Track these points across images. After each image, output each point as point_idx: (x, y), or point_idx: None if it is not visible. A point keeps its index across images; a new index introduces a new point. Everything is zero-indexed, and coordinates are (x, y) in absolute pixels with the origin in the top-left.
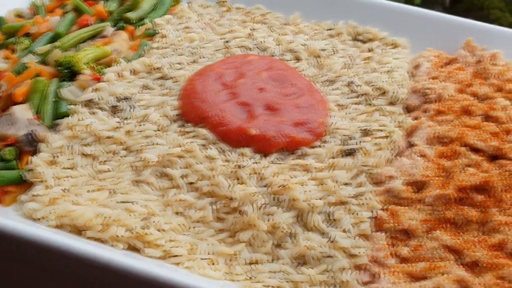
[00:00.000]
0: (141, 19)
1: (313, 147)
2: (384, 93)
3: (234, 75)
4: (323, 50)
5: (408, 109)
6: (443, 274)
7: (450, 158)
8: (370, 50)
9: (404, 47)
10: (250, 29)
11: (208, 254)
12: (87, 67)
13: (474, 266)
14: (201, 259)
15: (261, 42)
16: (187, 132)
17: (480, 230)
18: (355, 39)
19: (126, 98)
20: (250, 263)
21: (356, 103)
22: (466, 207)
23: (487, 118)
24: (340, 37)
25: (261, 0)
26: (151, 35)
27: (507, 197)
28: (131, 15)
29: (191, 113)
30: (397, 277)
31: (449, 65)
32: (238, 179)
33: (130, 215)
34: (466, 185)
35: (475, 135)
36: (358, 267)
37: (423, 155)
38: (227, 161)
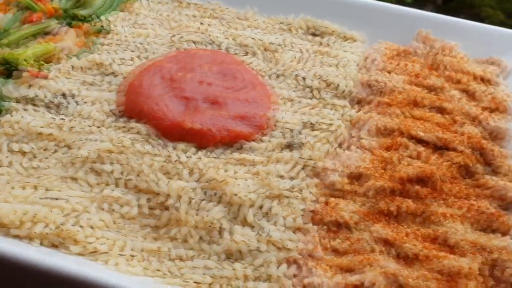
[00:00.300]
0: (92, 16)
1: (254, 141)
2: (331, 86)
3: (179, 70)
4: (275, 44)
5: (357, 102)
6: (372, 267)
7: (393, 149)
8: (323, 44)
9: (358, 40)
10: (202, 24)
11: (132, 250)
12: (28, 63)
13: (406, 258)
14: (121, 255)
15: (211, 36)
16: (125, 127)
17: (416, 222)
18: (309, 33)
19: (64, 94)
20: (175, 259)
21: (303, 97)
22: (403, 198)
23: (437, 109)
24: (294, 31)
25: None
26: (99, 31)
27: (448, 188)
28: (82, 12)
29: (131, 108)
30: (325, 269)
31: (401, 57)
32: (169, 173)
33: (52, 211)
34: (404, 176)
35: (420, 126)
36: (288, 261)
37: (365, 147)
38: (161, 155)
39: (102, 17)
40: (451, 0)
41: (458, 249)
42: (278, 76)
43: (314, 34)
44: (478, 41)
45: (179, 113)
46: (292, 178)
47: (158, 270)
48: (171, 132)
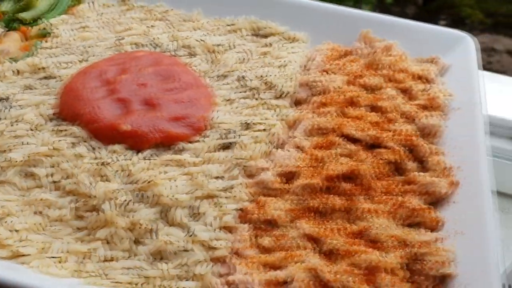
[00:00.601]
0: (36, 19)
1: (192, 142)
2: (272, 87)
3: (117, 72)
4: (219, 45)
5: (297, 103)
6: (297, 263)
7: (326, 148)
8: (267, 45)
9: (303, 41)
10: (147, 26)
11: (62, 252)
12: None
13: (330, 254)
14: (49, 257)
15: (154, 38)
16: (61, 131)
17: (345, 218)
18: (255, 34)
19: (5, 98)
20: (105, 261)
21: (244, 98)
22: (332, 195)
23: (373, 108)
24: (239, 32)
25: None
26: (44, 35)
27: (377, 185)
28: (25, 15)
29: (67, 111)
30: (251, 267)
31: (343, 57)
32: (102, 176)
33: None
34: (333, 174)
35: (354, 125)
36: (217, 260)
37: (299, 147)
38: (94, 158)
39: (44, 20)
40: (432, 0)
41: (381, 244)
42: (220, 77)
43: (258, 35)
44: (421, 40)
45: (114, 116)
46: (226, 178)
47: (88, 272)
48: (106, 135)
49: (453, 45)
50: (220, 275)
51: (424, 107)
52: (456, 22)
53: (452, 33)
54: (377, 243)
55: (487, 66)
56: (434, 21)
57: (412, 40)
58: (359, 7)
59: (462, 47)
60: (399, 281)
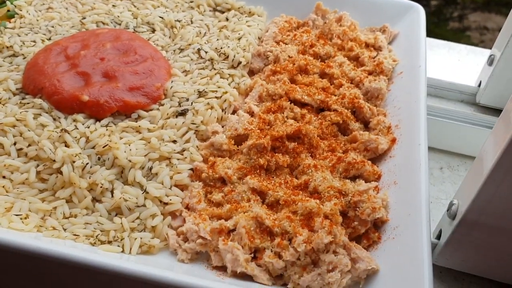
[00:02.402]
0: (2, 2)
1: (149, 110)
2: (227, 58)
3: (78, 48)
4: (179, 21)
5: (253, 72)
6: (245, 213)
7: (275, 112)
8: (228, 20)
9: (258, 15)
10: (113, 6)
11: (29, 211)
12: None
13: (275, 205)
14: (15, 215)
15: (117, 16)
16: (26, 104)
17: (289, 174)
18: (214, 9)
19: None
20: (69, 217)
21: (201, 68)
22: (279, 154)
23: (323, 75)
24: (199, 8)
25: None
26: (11, 16)
27: (324, 144)
28: None
29: (30, 85)
30: (204, 219)
31: (297, 29)
32: (65, 142)
33: None
34: (280, 134)
35: (303, 91)
36: (171, 214)
37: (250, 112)
38: (58, 127)
39: (8, 3)
40: None
41: (323, 195)
42: (178, 51)
43: (217, 11)
44: (374, 10)
45: (75, 88)
46: (180, 142)
47: (53, 228)
48: (67, 105)
49: (404, 13)
50: (173, 228)
51: (370, 73)
52: (448, 2)
53: (403, 2)
54: (319, 194)
55: (480, 45)
56: (426, 1)
57: (366, 11)
58: None
59: (411, 15)
60: (334, 225)
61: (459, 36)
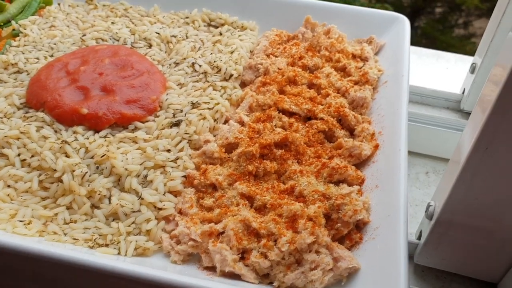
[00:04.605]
0: (7, 22)
1: (145, 122)
2: (220, 71)
3: (78, 64)
4: (175, 36)
5: (245, 84)
6: (234, 216)
7: (264, 122)
8: (222, 34)
9: (251, 30)
10: (112, 23)
11: (32, 217)
12: None
13: (263, 208)
14: (19, 221)
15: (116, 33)
16: (29, 117)
17: (276, 179)
18: (208, 24)
19: None
20: (69, 223)
21: (196, 81)
22: (267, 161)
23: (311, 86)
24: (194, 24)
25: None
26: (16, 35)
27: (311, 151)
28: None
29: (33, 100)
30: (194, 222)
31: (287, 42)
32: (65, 153)
33: None
34: (268, 142)
35: (291, 101)
36: (164, 219)
37: (240, 121)
38: (58, 139)
39: (13, 22)
40: None
41: (308, 198)
42: (174, 65)
43: (211, 25)
44: (362, 23)
45: (75, 101)
46: (174, 151)
47: (54, 232)
48: (68, 118)
49: (390, 25)
50: (166, 231)
51: (356, 82)
52: (453, 9)
53: (389, 14)
54: (304, 197)
55: None
56: (431, 8)
57: (354, 22)
58: None
59: (397, 26)
60: (317, 227)
61: (464, 43)
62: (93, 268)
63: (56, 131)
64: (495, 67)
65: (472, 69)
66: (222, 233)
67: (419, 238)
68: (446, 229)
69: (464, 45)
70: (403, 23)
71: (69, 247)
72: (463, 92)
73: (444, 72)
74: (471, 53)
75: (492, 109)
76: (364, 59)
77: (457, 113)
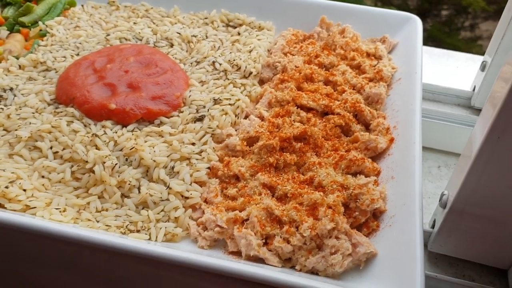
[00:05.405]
0: (35, 22)
1: (170, 117)
2: (239, 69)
3: (104, 62)
4: (195, 36)
5: (263, 81)
6: (257, 205)
7: (283, 117)
8: (240, 34)
9: (267, 29)
10: (134, 23)
11: (66, 205)
12: None
13: (284, 198)
14: (55, 208)
15: (138, 33)
16: (59, 112)
17: (296, 171)
18: (226, 25)
19: (11, 89)
20: (101, 211)
21: (216, 79)
22: (287, 153)
23: (327, 83)
24: (213, 24)
25: None
26: (43, 35)
27: (328, 144)
28: (25, 19)
29: (63, 96)
30: (219, 210)
31: (303, 41)
32: (96, 146)
33: None
34: (287, 136)
35: (308, 97)
36: (191, 207)
37: (260, 116)
38: (89, 132)
39: (40, 23)
40: None
41: (327, 188)
42: (195, 63)
43: (229, 26)
44: (376, 22)
45: (103, 97)
46: (198, 144)
47: (88, 220)
48: (96, 113)
49: (403, 25)
50: (193, 219)
51: (371, 80)
52: (459, 11)
53: (402, 14)
54: (324, 188)
55: None
56: (438, 11)
57: (368, 22)
58: None
59: (410, 26)
60: (337, 214)
61: (470, 45)
62: (128, 250)
63: (85, 125)
64: (505, 65)
65: (483, 67)
66: (246, 220)
67: (432, 226)
68: (458, 217)
69: (470, 47)
70: (416, 23)
71: (103, 233)
72: (474, 89)
73: (454, 70)
74: (478, 55)
75: (502, 104)
76: (378, 58)
77: (468, 110)
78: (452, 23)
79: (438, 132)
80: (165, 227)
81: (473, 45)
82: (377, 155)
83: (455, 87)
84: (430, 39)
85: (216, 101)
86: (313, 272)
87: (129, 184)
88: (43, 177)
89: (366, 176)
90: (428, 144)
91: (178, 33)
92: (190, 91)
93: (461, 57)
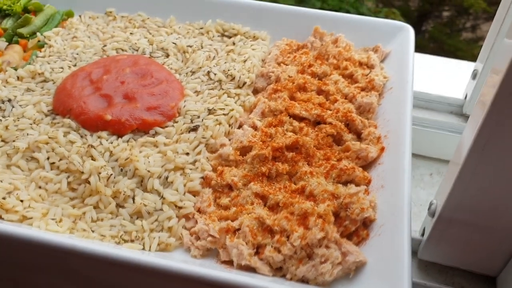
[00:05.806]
0: (33, 34)
1: (164, 127)
2: (234, 79)
3: (100, 73)
4: (191, 46)
5: (257, 91)
6: (249, 214)
7: (276, 126)
8: (235, 44)
9: (262, 39)
10: (131, 33)
11: (62, 216)
12: None
13: (276, 207)
14: (51, 219)
15: (135, 43)
16: (56, 123)
17: (288, 180)
18: (222, 35)
19: (9, 100)
20: (96, 221)
21: (210, 89)
22: (279, 163)
23: (319, 92)
24: (208, 34)
25: (142, 7)
26: (41, 46)
27: (320, 153)
28: (23, 30)
29: (60, 107)
30: (212, 219)
31: (297, 51)
32: (91, 156)
33: None
34: (279, 145)
35: (301, 106)
36: (184, 217)
37: (253, 126)
38: (85, 143)
39: (38, 34)
40: None
41: (318, 198)
42: (190, 73)
43: (225, 36)
44: (369, 31)
45: (99, 108)
46: (192, 154)
47: (83, 230)
48: (92, 124)
49: (395, 34)
50: (187, 228)
51: (363, 89)
52: (460, 13)
53: (394, 23)
54: (314, 197)
55: None
56: (439, 12)
57: (361, 32)
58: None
59: (402, 35)
60: (327, 224)
61: (471, 46)
62: (121, 260)
63: (82, 136)
64: (492, 72)
65: (474, 75)
66: (238, 229)
67: (422, 234)
68: (447, 225)
69: (471, 48)
70: (408, 32)
71: (98, 243)
72: (466, 97)
73: (447, 78)
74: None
75: (488, 111)
76: (370, 67)
77: (460, 117)
78: (453, 24)
79: (430, 139)
80: (159, 237)
81: (474, 46)
82: (368, 164)
83: (447, 95)
84: (431, 40)
85: (210, 111)
86: (304, 281)
87: (123, 194)
88: (40, 187)
89: (356, 185)
90: (420, 151)
91: (173, 43)
92: (185, 101)
93: (454, 65)
